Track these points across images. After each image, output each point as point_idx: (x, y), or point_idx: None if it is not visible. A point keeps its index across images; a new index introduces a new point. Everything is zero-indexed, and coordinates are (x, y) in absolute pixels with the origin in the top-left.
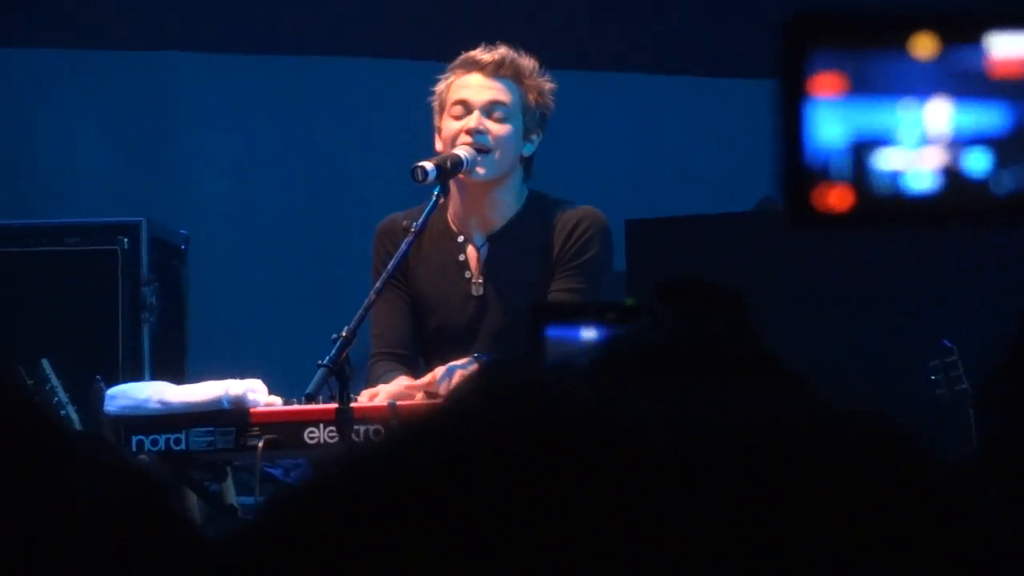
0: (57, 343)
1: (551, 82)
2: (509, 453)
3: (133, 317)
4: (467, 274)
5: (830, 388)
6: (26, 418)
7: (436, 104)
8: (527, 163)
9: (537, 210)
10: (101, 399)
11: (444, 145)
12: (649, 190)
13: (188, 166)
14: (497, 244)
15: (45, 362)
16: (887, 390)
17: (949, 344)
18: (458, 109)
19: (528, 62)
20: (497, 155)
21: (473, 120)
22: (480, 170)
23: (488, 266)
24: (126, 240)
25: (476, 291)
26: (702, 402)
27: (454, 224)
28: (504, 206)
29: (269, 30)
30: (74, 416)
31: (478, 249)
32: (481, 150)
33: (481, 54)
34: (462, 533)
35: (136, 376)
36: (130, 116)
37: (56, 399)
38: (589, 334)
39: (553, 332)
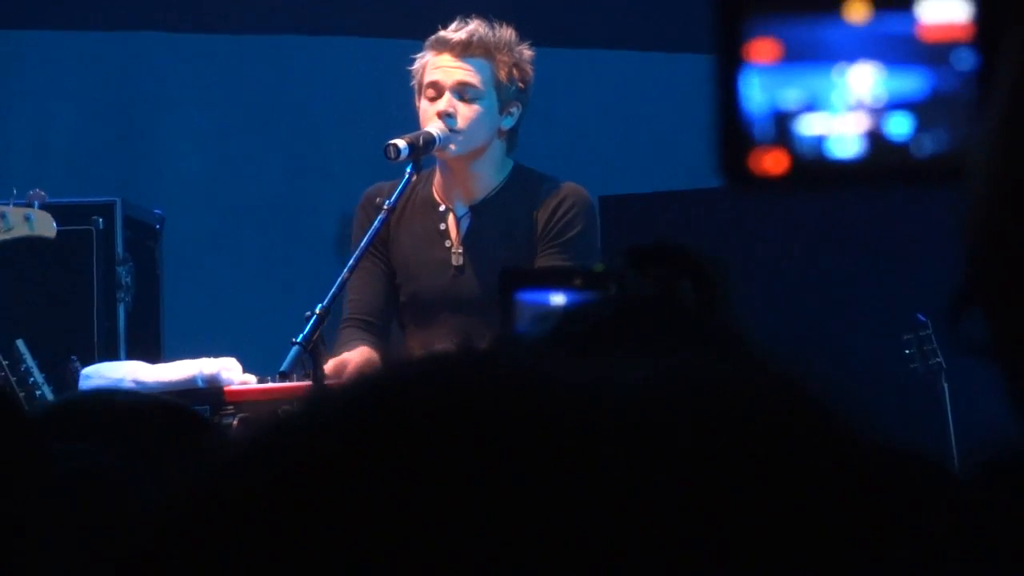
0: (32, 323)
1: (529, 49)
2: (442, 418)
3: (108, 297)
4: (447, 243)
5: (798, 361)
6: None
7: (415, 85)
8: (510, 136)
9: (521, 184)
10: (76, 379)
11: (424, 125)
12: (622, 166)
13: (162, 146)
14: (478, 215)
15: (20, 342)
16: (861, 364)
17: (923, 318)
18: (431, 92)
19: (501, 35)
20: (464, 136)
21: (443, 103)
22: (452, 147)
23: (468, 237)
24: (101, 220)
25: (456, 260)
26: (635, 369)
27: (438, 194)
28: (485, 178)
29: (243, 9)
30: (49, 396)
31: (459, 219)
32: (452, 131)
33: (450, 33)
34: (388, 495)
35: (111, 356)
36: (104, 96)
37: (31, 379)
38: (558, 299)
39: (522, 297)
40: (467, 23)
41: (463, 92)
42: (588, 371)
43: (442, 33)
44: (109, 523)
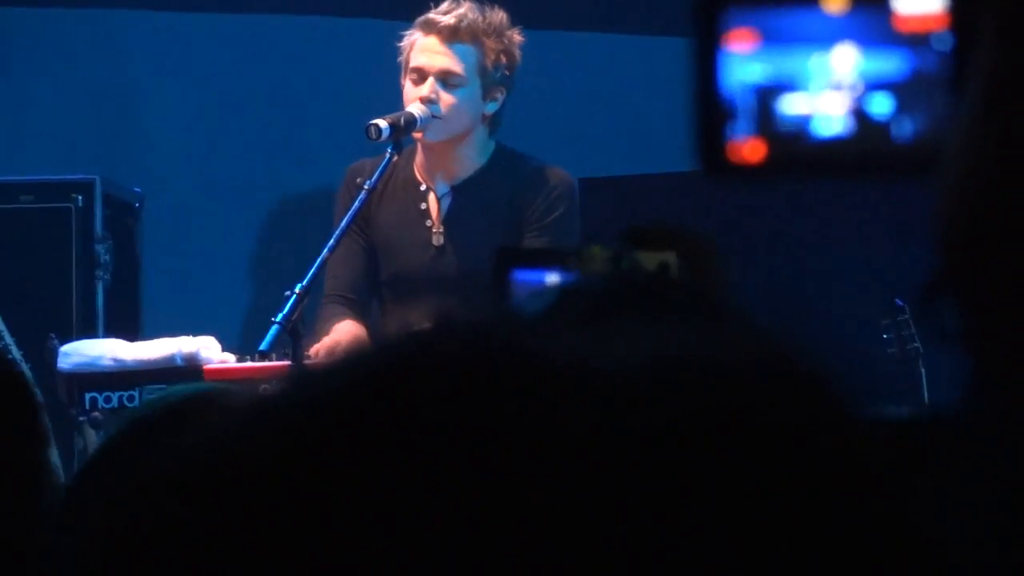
0: (10, 300)
1: (519, 34)
2: (429, 389)
3: (87, 275)
4: (428, 223)
5: (783, 339)
6: None
7: (402, 62)
8: (494, 119)
9: (503, 165)
10: (55, 356)
11: (407, 106)
12: (603, 149)
13: (142, 124)
14: (460, 195)
15: None
16: (839, 348)
17: (901, 303)
18: (415, 75)
19: (491, 20)
20: (444, 123)
21: (426, 88)
22: (431, 134)
23: (449, 216)
24: (80, 198)
25: (436, 240)
26: (628, 346)
27: (419, 173)
28: (467, 161)
29: None
30: (27, 373)
31: (439, 199)
32: (434, 116)
33: (440, 16)
34: (380, 467)
35: (90, 334)
36: (84, 73)
37: (9, 357)
38: (553, 278)
39: (518, 276)
40: (458, 4)
41: (446, 79)
42: (582, 348)
43: (432, 15)
44: (91, 502)
